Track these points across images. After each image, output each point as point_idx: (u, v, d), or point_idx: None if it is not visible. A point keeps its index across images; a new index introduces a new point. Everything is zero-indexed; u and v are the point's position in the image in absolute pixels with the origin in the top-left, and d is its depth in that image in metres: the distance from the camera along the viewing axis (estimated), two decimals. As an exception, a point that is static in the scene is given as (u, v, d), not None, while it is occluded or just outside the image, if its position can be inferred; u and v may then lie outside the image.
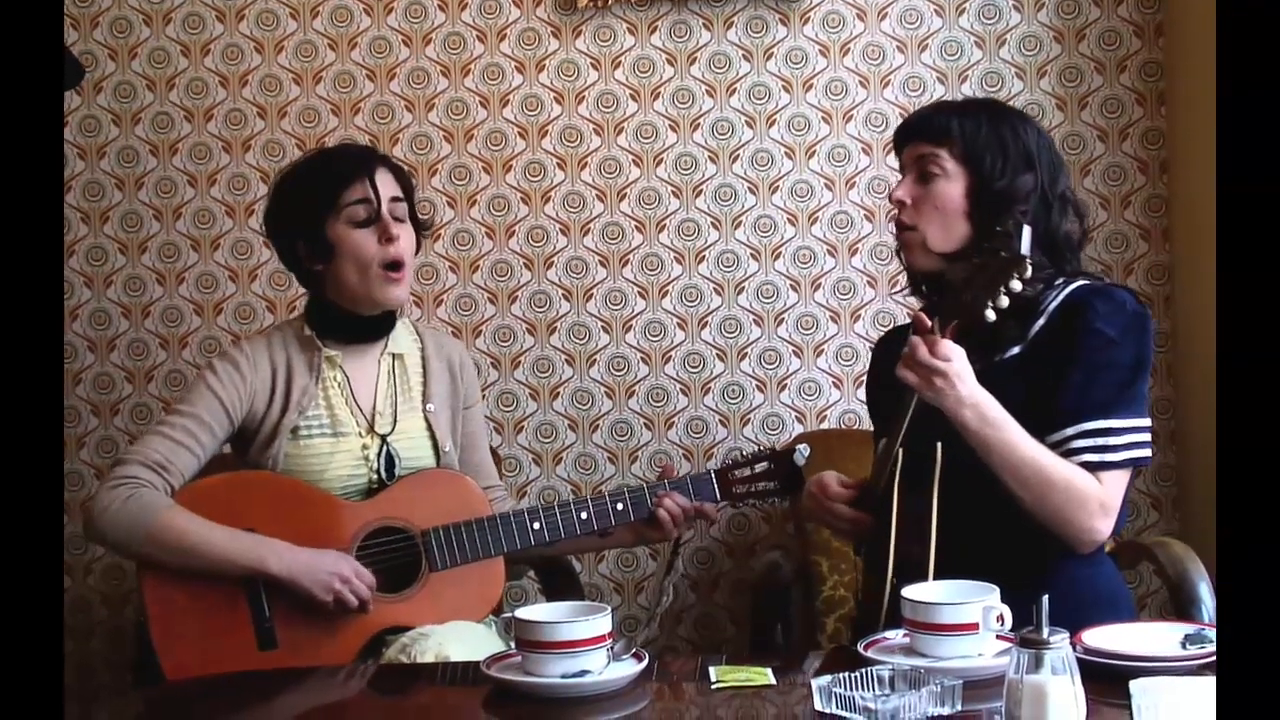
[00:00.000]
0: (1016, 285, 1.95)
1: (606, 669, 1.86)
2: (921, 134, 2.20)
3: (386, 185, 2.44)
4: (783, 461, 2.46)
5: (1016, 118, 2.22)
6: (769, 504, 2.71)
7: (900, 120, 2.41)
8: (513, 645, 1.93)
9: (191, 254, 3.38)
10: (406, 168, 2.60)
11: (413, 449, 2.47)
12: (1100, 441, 2.06)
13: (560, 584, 2.85)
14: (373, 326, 2.49)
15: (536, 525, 2.40)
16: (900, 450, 2.08)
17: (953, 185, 2.16)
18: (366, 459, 2.43)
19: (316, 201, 2.43)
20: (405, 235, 2.45)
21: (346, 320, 2.47)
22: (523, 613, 1.91)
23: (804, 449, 2.45)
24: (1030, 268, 1.95)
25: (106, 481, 2.33)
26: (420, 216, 2.56)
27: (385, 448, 2.44)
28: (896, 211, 2.22)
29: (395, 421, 2.47)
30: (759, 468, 2.46)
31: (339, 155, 2.52)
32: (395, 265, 2.42)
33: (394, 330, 2.53)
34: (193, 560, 2.28)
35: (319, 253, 2.44)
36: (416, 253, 2.53)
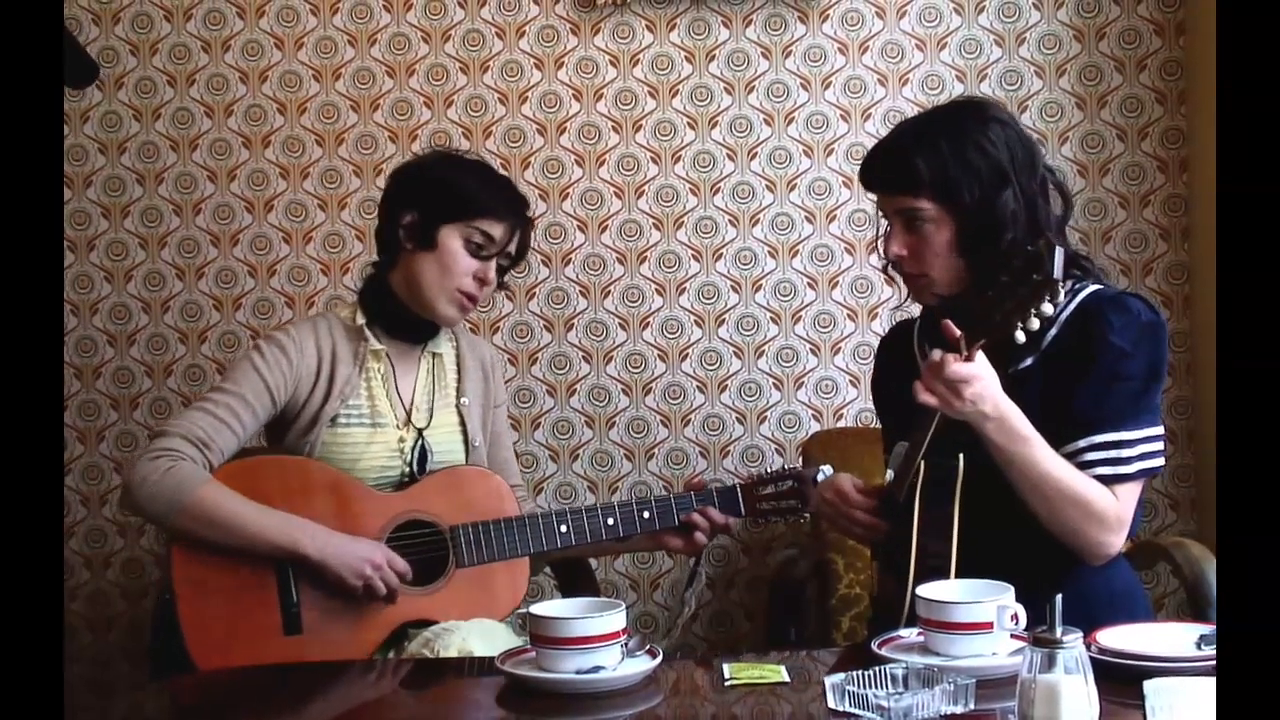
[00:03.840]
0: (1048, 308, 1.93)
1: (620, 665, 1.87)
2: (892, 187, 2.16)
3: (514, 243, 2.48)
4: (806, 482, 2.49)
5: (975, 125, 2.13)
6: (788, 521, 2.72)
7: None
8: (527, 640, 1.94)
9: (211, 249, 3.39)
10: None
11: (446, 443, 2.50)
12: (1113, 454, 2.05)
13: (576, 581, 2.85)
14: (421, 328, 2.51)
15: (564, 528, 2.42)
16: (923, 462, 2.07)
17: (941, 230, 2.11)
18: (401, 451, 2.45)
19: (459, 204, 2.44)
20: (490, 287, 2.49)
21: (399, 314, 2.49)
22: (537, 608, 1.91)
23: (827, 469, 2.47)
24: (1061, 291, 1.93)
25: (147, 452, 2.33)
26: (505, 281, 2.58)
27: (420, 441, 2.46)
28: (897, 264, 2.17)
29: (431, 415, 2.49)
30: (783, 485, 2.50)
31: (511, 191, 2.53)
32: (470, 297, 2.45)
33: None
34: (227, 536, 2.29)
35: (419, 236, 2.45)
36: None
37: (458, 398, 2.55)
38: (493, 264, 2.45)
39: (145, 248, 3.40)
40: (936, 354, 2.00)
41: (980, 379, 1.97)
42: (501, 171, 2.85)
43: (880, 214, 2.23)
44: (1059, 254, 1.92)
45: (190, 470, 2.31)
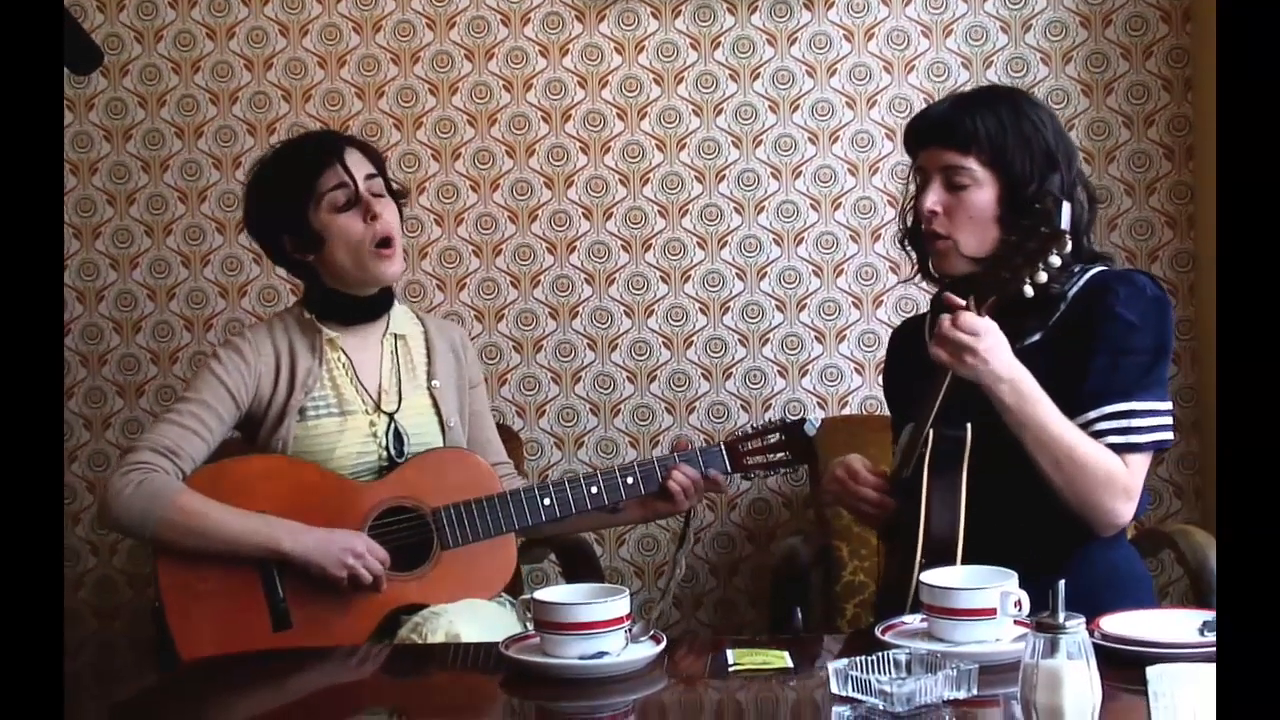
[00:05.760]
0: (1056, 260, 1.95)
1: (624, 651, 1.87)
2: (945, 140, 2.14)
3: (358, 165, 2.46)
4: (794, 433, 2.46)
5: (1029, 107, 2.17)
6: (782, 474, 2.70)
7: (921, 107, 2.38)
8: (530, 627, 1.94)
9: (216, 236, 3.39)
10: (373, 142, 2.64)
11: (419, 425, 2.49)
12: (1125, 424, 2.06)
13: (580, 567, 2.86)
14: (370, 306, 2.51)
15: (547, 501, 2.41)
16: (930, 432, 2.08)
17: (984, 193, 2.12)
18: (375, 435, 2.45)
19: (295, 194, 2.44)
20: (388, 210, 2.47)
21: (344, 302, 2.50)
22: (541, 594, 1.91)
23: (815, 419, 2.45)
24: (1069, 242, 1.95)
25: (118, 468, 2.36)
26: (395, 187, 2.56)
27: (393, 424, 2.46)
28: (926, 222, 2.16)
29: (400, 399, 2.49)
30: (770, 439, 2.46)
31: (304, 145, 2.52)
32: (385, 242, 2.44)
33: (394, 312, 2.55)
34: (206, 543, 2.31)
35: (307, 244, 2.46)
36: (401, 223, 2.54)
37: (428, 380, 2.54)
38: (369, 200, 2.43)
39: (150, 235, 3.40)
40: (946, 316, 2.03)
41: (992, 333, 2.00)
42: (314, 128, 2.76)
43: (913, 177, 2.22)
44: (1066, 208, 1.97)
45: (163, 481, 2.32)
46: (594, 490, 2.43)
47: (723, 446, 2.47)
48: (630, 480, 2.43)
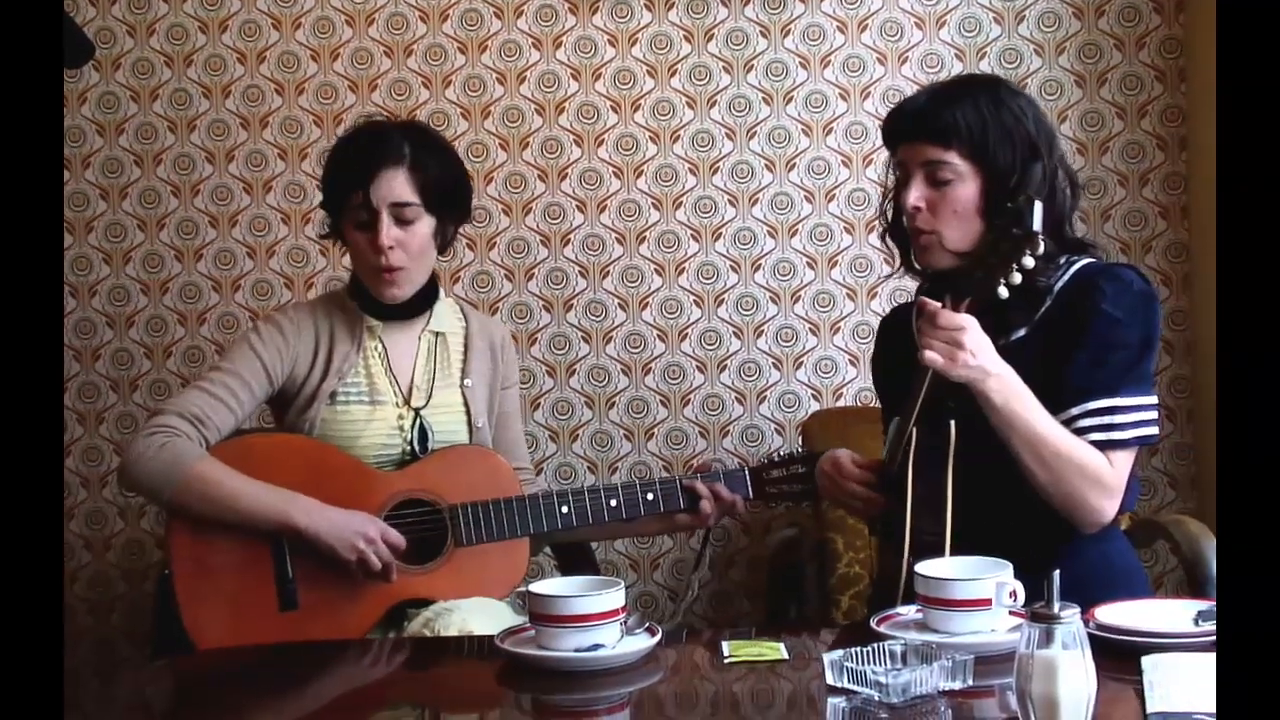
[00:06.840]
0: (1029, 261, 1.94)
1: (620, 643, 1.87)
2: (925, 135, 2.12)
3: (395, 188, 2.40)
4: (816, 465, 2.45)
5: (1008, 95, 2.14)
6: (802, 506, 2.70)
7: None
8: (527, 619, 1.94)
9: (209, 231, 3.39)
10: (439, 151, 2.51)
11: (447, 423, 2.49)
12: (1107, 420, 2.05)
13: (576, 560, 2.85)
14: (405, 307, 2.50)
15: (565, 509, 2.41)
16: (914, 429, 2.07)
17: (967, 187, 2.10)
18: (401, 429, 2.45)
19: (328, 199, 2.49)
20: (409, 238, 2.42)
21: (379, 300, 2.49)
22: (536, 587, 1.91)
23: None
24: (1042, 243, 1.94)
25: (143, 429, 2.36)
26: (454, 200, 2.51)
27: (419, 420, 2.46)
28: (910, 218, 2.14)
29: (430, 396, 2.49)
30: (795, 469, 2.46)
31: (352, 152, 2.46)
32: (387, 269, 2.42)
33: (438, 307, 2.55)
34: (221, 511, 2.31)
35: (339, 238, 2.51)
36: (452, 236, 2.53)
37: (461, 378, 2.54)
38: (381, 230, 2.39)
39: (144, 229, 3.39)
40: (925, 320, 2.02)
41: (975, 328, 1.99)
42: (385, 120, 2.65)
43: (894, 170, 2.21)
44: (1038, 208, 1.94)
45: (185, 446, 2.32)
46: (613, 503, 2.42)
47: (747, 471, 2.47)
48: (650, 497, 2.43)
